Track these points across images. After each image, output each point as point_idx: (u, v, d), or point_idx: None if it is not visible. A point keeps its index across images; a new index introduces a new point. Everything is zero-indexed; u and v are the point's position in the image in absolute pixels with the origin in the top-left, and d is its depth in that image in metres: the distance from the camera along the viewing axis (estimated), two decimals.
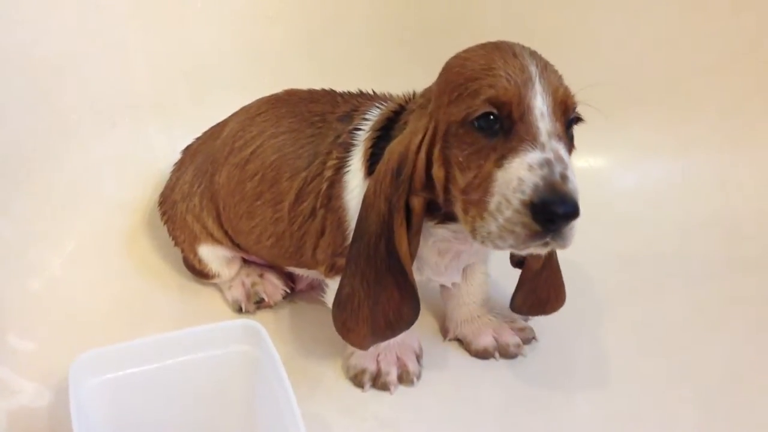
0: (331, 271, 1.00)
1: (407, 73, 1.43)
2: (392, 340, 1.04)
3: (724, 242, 1.35)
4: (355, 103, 1.03)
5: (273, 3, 1.45)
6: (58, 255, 1.22)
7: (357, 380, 1.04)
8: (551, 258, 0.99)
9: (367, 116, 0.98)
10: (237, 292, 1.17)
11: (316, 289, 1.17)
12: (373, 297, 0.90)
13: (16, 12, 1.20)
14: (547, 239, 0.74)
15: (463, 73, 0.82)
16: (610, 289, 1.22)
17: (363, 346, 0.95)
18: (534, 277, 1.00)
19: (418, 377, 1.05)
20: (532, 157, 0.74)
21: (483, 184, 0.78)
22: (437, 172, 0.83)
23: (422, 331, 1.12)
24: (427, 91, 0.90)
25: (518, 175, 0.74)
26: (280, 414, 0.86)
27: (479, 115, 0.78)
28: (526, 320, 1.13)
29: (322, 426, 0.98)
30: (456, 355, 1.10)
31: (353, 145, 0.96)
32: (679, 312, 1.19)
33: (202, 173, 1.13)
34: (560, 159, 0.74)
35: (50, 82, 1.26)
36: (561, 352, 1.10)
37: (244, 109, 1.15)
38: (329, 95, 1.08)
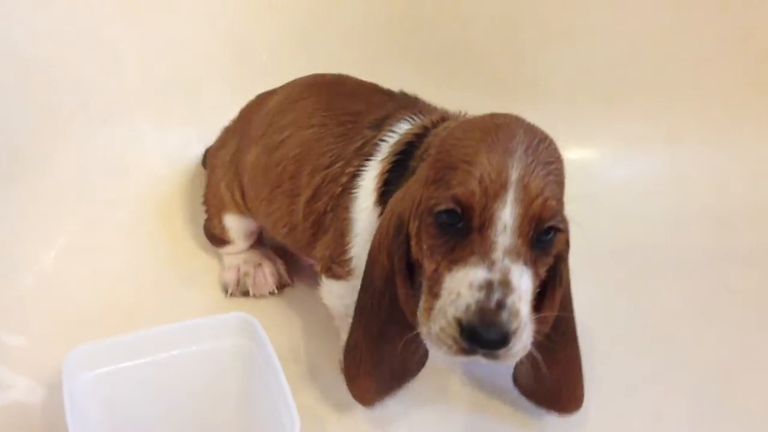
0: (327, 272, 1.00)
1: (399, 67, 1.44)
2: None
3: (714, 234, 1.35)
4: (390, 109, 1.00)
5: (264, 1, 1.45)
6: (50, 251, 1.22)
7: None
8: (559, 342, 0.90)
9: (394, 129, 0.95)
10: (229, 276, 1.19)
11: (312, 282, 1.17)
12: (377, 350, 0.89)
13: (5, 10, 1.19)
14: (479, 356, 0.73)
15: (449, 158, 0.77)
16: (599, 281, 1.22)
17: (365, 400, 0.95)
18: (543, 359, 0.89)
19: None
20: (475, 274, 0.72)
21: (438, 282, 0.76)
22: (414, 247, 0.81)
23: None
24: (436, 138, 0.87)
25: (458, 289, 0.73)
26: (275, 406, 0.86)
27: (443, 210, 0.75)
28: None
29: (316, 418, 0.98)
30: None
31: (373, 158, 0.94)
32: (669, 304, 1.20)
33: (238, 147, 1.15)
34: (505, 283, 0.71)
35: (40, 80, 1.25)
36: None
37: (292, 84, 1.15)
38: (371, 93, 1.06)
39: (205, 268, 1.24)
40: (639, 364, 1.08)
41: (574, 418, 0.98)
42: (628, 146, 1.48)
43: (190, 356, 0.93)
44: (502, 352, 0.72)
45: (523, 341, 0.73)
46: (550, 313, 0.85)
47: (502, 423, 1.00)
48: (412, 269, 0.84)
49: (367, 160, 0.94)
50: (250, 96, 1.23)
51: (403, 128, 0.95)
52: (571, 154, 1.38)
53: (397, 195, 0.86)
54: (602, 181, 1.44)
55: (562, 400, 0.95)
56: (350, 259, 0.95)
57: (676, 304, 1.20)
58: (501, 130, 0.77)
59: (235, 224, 1.18)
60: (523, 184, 0.73)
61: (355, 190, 0.94)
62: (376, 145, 0.95)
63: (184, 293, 1.19)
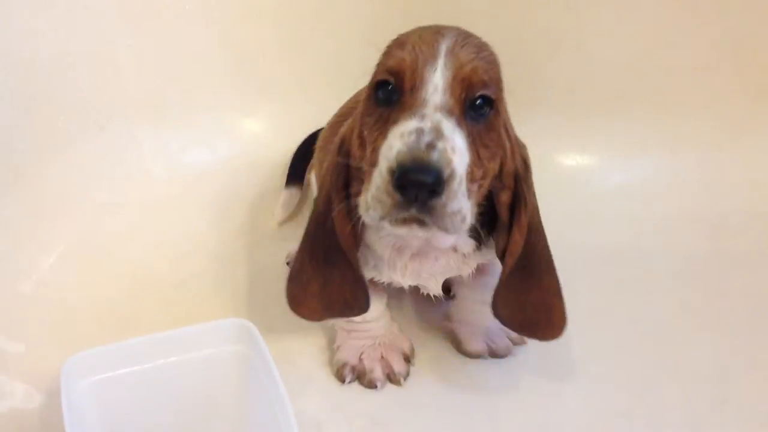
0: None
1: None
2: (378, 340, 1.05)
3: (711, 239, 1.35)
4: None
5: (262, 5, 1.45)
6: (49, 257, 1.22)
7: (339, 374, 1.05)
8: (534, 271, 0.91)
9: None
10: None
11: None
12: (324, 275, 0.90)
13: (4, 14, 1.19)
14: (413, 211, 0.71)
15: (386, 51, 0.82)
16: (596, 286, 1.23)
17: (313, 317, 0.96)
18: (518, 289, 0.92)
19: (405, 377, 1.05)
20: (406, 125, 0.73)
21: (376, 157, 0.76)
22: (355, 151, 0.83)
23: (417, 328, 1.13)
24: None
25: (391, 143, 0.73)
26: (273, 412, 0.86)
27: (378, 84, 0.79)
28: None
29: (314, 424, 0.98)
30: (448, 352, 1.10)
31: None
32: (666, 308, 1.20)
33: None
34: (436, 130, 0.72)
35: (38, 85, 1.26)
36: (549, 350, 1.10)
37: None
38: None
39: (203, 274, 1.24)
40: (635, 366, 1.09)
41: (572, 423, 0.98)
42: (625, 152, 1.48)
43: (188, 362, 0.93)
44: (437, 203, 0.71)
45: (459, 204, 0.73)
46: (519, 237, 0.87)
47: (501, 424, 1.00)
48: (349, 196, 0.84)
49: None
50: (248, 100, 1.23)
51: None
52: (569, 160, 1.39)
53: (347, 123, 0.89)
54: (599, 186, 1.44)
55: (541, 327, 0.95)
56: None
57: (673, 308, 1.20)
58: (433, 25, 0.82)
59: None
60: (453, 53, 0.77)
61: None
62: None
63: (181, 299, 1.19)
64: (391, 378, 1.05)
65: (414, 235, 0.79)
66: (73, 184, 1.30)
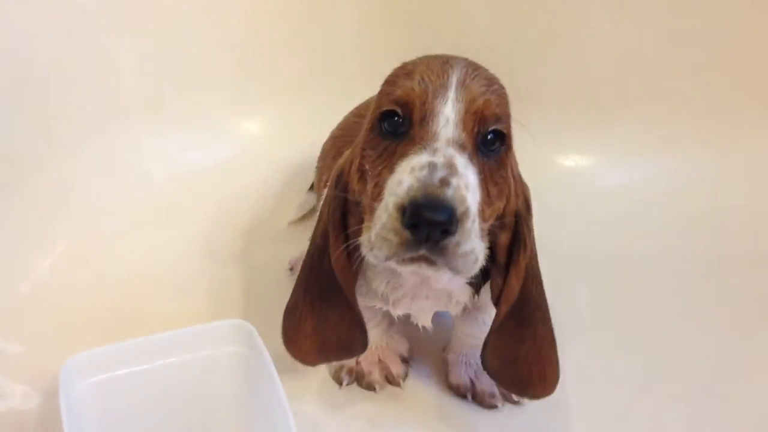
0: None
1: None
2: (376, 344, 1.04)
3: (711, 240, 1.35)
4: None
5: (261, 6, 1.45)
6: (47, 258, 1.22)
7: (336, 376, 1.04)
8: (529, 319, 0.86)
9: None
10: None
11: None
12: (319, 313, 0.86)
13: (2, 16, 1.19)
14: (422, 252, 0.67)
15: (389, 80, 0.78)
16: (596, 287, 1.23)
17: (306, 361, 0.91)
18: (511, 338, 0.87)
19: (404, 378, 1.05)
20: (417, 159, 0.69)
21: (380, 192, 0.72)
22: (354, 185, 0.79)
23: (415, 328, 1.12)
24: None
25: (400, 177, 0.69)
26: (272, 413, 0.86)
27: (383, 114, 0.75)
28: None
29: (312, 425, 0.98)
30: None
31: None
32: (665, 309, 1.20)
33: None
34: (450, 165, 0.68)
35: (38, 87, 1.26)
36: None
37: None
38: None
39: (202, 275, 1.24)
40: (635, 368, 1.09)
41: (571, 424, 0.98)
42: (624, 153, 1.48)
43: (186, 363, 0.93)
44: (449, 242, 0.66)
45: (472, 243, 0.68)
46: (516, 281, 0.82)
47: (500, 424, 1.00)
48: (347, 229, 0.81)
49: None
50: (247, 101, 1.23)
51: None
52: (568, 161, 1.39)
53: (345, 154, 0.86)
54: (598, 187, 1.44)
55: (533, 382, 0.88)
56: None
57: (672, 309, 1.20)
58: (440, 55, 0.79)
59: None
60: (464, 86, 0.74)
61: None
62: None
63: (180, 300, 1.19)
64: (390, 380, 1.05)
65: (422, 273, 0.75)
66: (73, 185, 1.30)
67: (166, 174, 1.41)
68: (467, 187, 0.69)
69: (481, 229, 0.72)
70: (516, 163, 0.83)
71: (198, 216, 1.34)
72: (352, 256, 0.79)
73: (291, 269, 1.22)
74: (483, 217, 0.73)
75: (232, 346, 0.94)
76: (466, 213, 0.67)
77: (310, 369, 1.06)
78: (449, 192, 0.66)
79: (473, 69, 0.77)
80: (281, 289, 1.21)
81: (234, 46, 1.46)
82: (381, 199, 0.71)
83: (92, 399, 0.89)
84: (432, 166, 0.68)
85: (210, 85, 1.47)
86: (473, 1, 1.43)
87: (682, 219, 1.39)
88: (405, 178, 0.68)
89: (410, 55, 1.43)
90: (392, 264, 0.71)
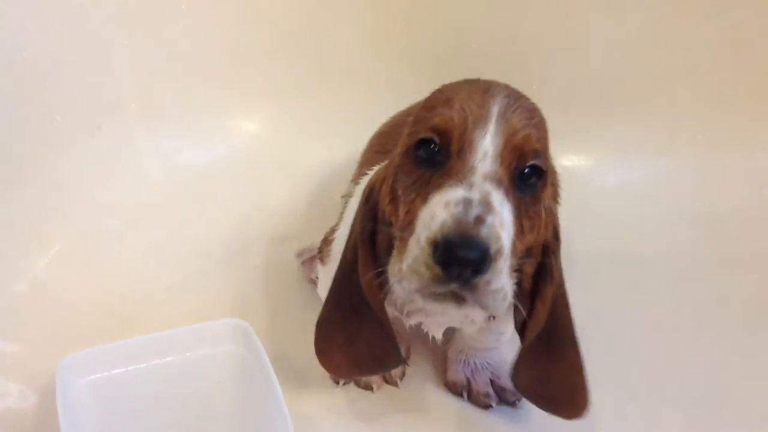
0: (319, 254, 0.99)
1: (394, 73, 1.45)
2: None
3: (708, 241, 1.35)
4: None
5: (260, 5, 1.45)
6: (44, 257, 1.21)
7: (333, 376, 1.04)
8: (558, 346, 0.86)
9: None
10: None
11: (306, 289, 1.18)
12: (351, 326, 0.86)
13: None
14: (453, 287, 0.66)
15: (427, 105, 0.77)
16: (594, 287, 1.22)
17: (339, 373, 0.92)
18: (540, 363, 0.86)
19: (402, 377, 1.05)
20: (453, 194, 0.67)
21: (411, 221, 0.71)
22: (384, 206, 0.78)
23: (414, 327, 1.12)
24: None
25: (433, 211, 0.68)
26: (269, 413, 0.86)
27: (420, 142, 0.73)
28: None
29: (310, 425, 0.98)
30: (444, 353, 1.10)
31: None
32: (664, 309, 1.20)
33: None
34: (486, 202, 0.67)
35: (35, 85, 1.25)
36: None
37: None
38: None
39: (199, 274, 1.23)
40: (633, 369, 1.09)
41: (569, 424, 0.98)
42: (623, 154, 1.48)
43: (183, 363, 0.93)
44: (479, 280, 0.65)
45: (503, 281, 0.67)
46: (542, 311, 0.82)
47: (499, 424, 1.00)
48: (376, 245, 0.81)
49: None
50: (244, 101, 1.23)
51: None
52: (566, 162, 1.39)
53: (378, 169, 0.85)
54: (596, 188, 1.44)
55: (561, 404, 0.90)
56: (332, 241, 0.94)
57: (671, 309, 1.21)
58: (480, 81, 0.78)
59: None
60: (504, 118, 0.72)
61: (360, 181, 0.94)
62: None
63: (177, 299, 1.19)
64: (387, 379, 1.04)
65: (448, 312, 0.74)
66: (69, 184, 1.30)
67: (163, 173, 1.41)
68: (502, 224, 0.68)
69: (511, 265, 0.71)
70: (549, 195, 0.82)
71: (194, 215, 1.34)
72: (382, 281, 0.78)
73: (299, 256, 1.22)
74: (514, 252, 0.72)
75: (230, 346, 0.94)
76: (499, 251, 0.66)
77: (307, 368, 1.06)
78: (484, 231, 0.65)
79: (515, 99, 0.75)
80: (279, 289, 1.22)
81: (232, 45, 1.46)
82: (412, 229, 0.70)
83: (89, 398, 0.89)
84: (468, 203, 0.67)
85: (208, 84, 1.47)
86: (472, 2, 1.43)
87: (681, 219, 1.39)
88: (439, 213, 0.67)
89: (409, 59, 1.44)
90: (418, 298, 0.70)
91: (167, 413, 0.92)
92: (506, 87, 0.77)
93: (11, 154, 1.21)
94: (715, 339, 1.15)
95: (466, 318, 0.88)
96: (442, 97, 0.76)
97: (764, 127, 1.46)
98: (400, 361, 0.90)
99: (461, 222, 0.65)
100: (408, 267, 0.68)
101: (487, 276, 0.65)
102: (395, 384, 1.04)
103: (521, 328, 0.84)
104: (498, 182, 0.69)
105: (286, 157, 1.43)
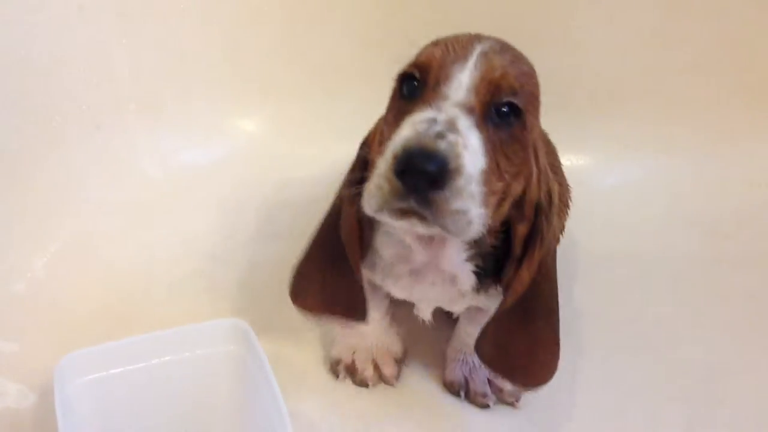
0: None
1: (393, 72, 1.45)
2: (371, 342, 1.04)
3: (706, 241, 1.35)
4: None
5: (258, 5, 1.45)
6: (42, 256, 1.21)
7: (333, 369, 1.06)
8: (533, 316, 0.85)
9: None
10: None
11: None
12: (326, 274, 0.88)
13: None
14: (412, 203, 0.66)
15: (419, 51, 0.79)
16: (591, 287, 1.23)
17: (311, 310, 0.92)
18: (509, 329, 0.85)
19: (397, 378, 1.05)
20: (420, 114, 0.69)
21: (385, 147, 0.72)
22: (374, 146, 0.80)
23: (413, 326, 1.12)
24: None
25: (401, 131, 0.69)
26: (267, 413, 0.86)
27: (403, 78, 0.76)
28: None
29: (308, 424, 0.98)
30: (443, 352, 1.10)
31: None
32: (662, 309, 1.20)
33: None
34: (450, 122, 0.68)
35: (33, 84, 1.25)
36: None
37: None
38: None
39: (198, 274, 1.23)
40: (632, 369, 1.09)
41: (568, 425, 0.99)
42: (620, 153, 1.48)
43: (182, 362, 0.93)
44: (438, 196, 0.66)
45: (467, 205, 0.67)
46: (527, 274, 0.81)
47: (497, 423, 1.00)
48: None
49: None
50: (243, 100, 1.23)
51: None
52: (563, 161, 1.39)
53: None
54: (594, 188, 1.43)
55: (528, 373, 0.88)
56: None
57: (668, 310, 1.20)
58: (473, 33, 0.79)
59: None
60: (486, 57, 0.73)
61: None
62: None
63: (176, 299, 1.19)
64: (383, 379, 1.05)
65: (415, 230, 0.74)
66: (68, 183, 1.30)
67: (161, 172, 1.41)
68: (466, 146, 0.68)
69: (485, 197, 0.70)
70: (543, 155, 0.83)
71: (194, 215, 1.34)
72: (359, 213, 0.78)
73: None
74: (490, 187, 0.72)
75: (228, 345, 0.94)
76: (458, 170, 0.66)
77: (306, 368, 1.07)
78: (442, 145, 0.66)
79: (502, 45, 0.77)
80: (278, 289, 1.21)
81: (231, 45, 1.46)
82: (383, 152, 0.72)
83: (87, 397, 0.89)
84: (432, 121, 0.68)
85: (207, 84, 1.46)
86: (472, 2, 1.43)
87: (679, 218, 1.39)
88: (405, 131, 0.69)
89: (408, 57, 1.44)
90: (385, 217, 0.71)
91: (165, 413, 0.92)
92: (499, 39, 0.78)
93: (9, 153, 1.21)
94: (716, 338, 1.15)
95: (453, 285, 0.87)
96: (432, 42, 0.78)
97: (763, 127, 1.46)
98: (365, 316, 0.90)
99: (422, 135, 0.67)
100: (374, 184, 0.69)
101: (446, 192, 0.66)
102: (391, 384, 1.05)
103: (505, 290, 0.84)
104: (469, 110, 0.71)
105: (286, 157, 1.43)
